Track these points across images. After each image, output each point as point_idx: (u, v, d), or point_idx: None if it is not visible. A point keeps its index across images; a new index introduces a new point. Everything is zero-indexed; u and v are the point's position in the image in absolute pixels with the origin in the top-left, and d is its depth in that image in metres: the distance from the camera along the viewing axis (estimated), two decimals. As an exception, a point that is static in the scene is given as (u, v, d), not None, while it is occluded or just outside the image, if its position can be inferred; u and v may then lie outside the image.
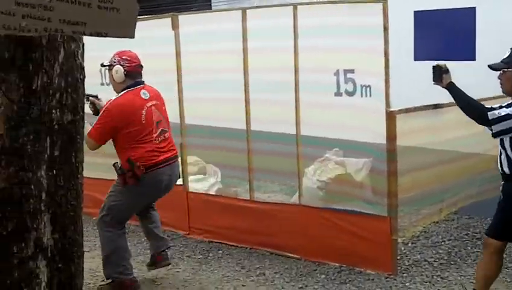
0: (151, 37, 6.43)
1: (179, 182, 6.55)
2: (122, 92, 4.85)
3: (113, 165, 4.84)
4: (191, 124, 6.44)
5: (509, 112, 3.95)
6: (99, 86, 7.56)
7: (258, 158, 6.01)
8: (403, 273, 5.25)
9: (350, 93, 5.31)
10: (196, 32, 6.21)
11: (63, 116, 2.45)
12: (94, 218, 7.04)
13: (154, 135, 4.84)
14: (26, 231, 2.36)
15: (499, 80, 4.13)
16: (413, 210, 5.71)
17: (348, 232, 5.37)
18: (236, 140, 6.05)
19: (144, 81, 4.98)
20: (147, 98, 4.87)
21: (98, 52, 7.18)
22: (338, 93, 5.38)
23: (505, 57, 4.12)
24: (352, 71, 5.25)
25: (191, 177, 6.99)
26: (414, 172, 5.34)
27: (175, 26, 6.28)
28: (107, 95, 7.37)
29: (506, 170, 4.14)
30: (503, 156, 4.14)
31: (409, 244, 5.82)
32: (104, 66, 5.00)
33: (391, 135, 4.99)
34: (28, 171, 2.34)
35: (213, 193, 6.55)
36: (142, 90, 4.89)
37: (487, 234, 4.37)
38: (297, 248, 5.68)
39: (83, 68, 2.55)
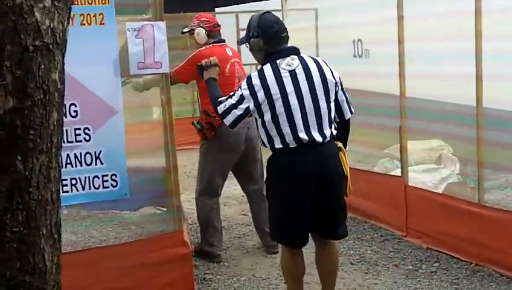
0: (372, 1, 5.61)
1: (398, 172, 5.53)
2: (210, 45, 5.01)
3: (192, 123, 4.95)
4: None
5: (232, 102, 3.77)
6: (351, 58, 6.78)
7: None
8: None
9: None
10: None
11: None
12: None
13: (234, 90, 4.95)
14: None
15: None
16: None
17: None
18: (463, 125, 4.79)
19: (225, 40, 5.16)
20: (231, 54, 5.08)
21: (345, 16, 6.42)
22: None
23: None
24: None
25: (420, 167, 5.88)
26: None
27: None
28: (359, 67, 6.55)
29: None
30: None
31: None
32: (184, 32, 5.15)
33: None
34: None
35: (439, 191, 5.34)
36: (227, 48, 5.10)
37: None
38: (536, 274, 4.28)
39: (40, 30, 1.81)
